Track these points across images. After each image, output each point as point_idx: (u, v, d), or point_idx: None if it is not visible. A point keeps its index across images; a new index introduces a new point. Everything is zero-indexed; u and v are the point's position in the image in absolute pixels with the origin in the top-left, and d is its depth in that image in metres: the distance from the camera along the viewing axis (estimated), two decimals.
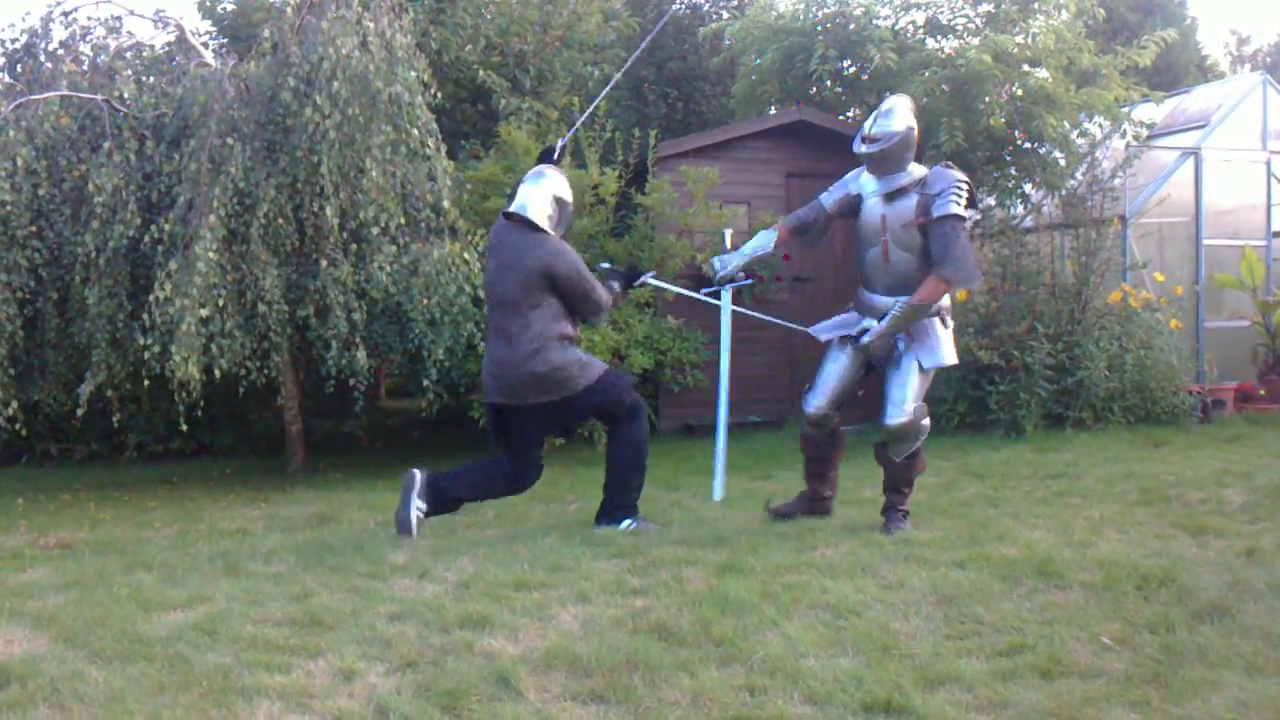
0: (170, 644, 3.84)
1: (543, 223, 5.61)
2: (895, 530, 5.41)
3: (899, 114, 5.49)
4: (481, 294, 7.65)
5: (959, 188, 5.39)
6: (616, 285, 6.11)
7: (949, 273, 5.34)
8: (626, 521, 5.63)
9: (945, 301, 5.59)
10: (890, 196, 5.53)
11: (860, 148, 5.50)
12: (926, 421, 5.58)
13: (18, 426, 7.62)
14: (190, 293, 6.91)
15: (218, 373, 7.25)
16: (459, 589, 4.55)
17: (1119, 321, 9.37)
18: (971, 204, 5.44)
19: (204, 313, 7.00)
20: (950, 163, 5.93)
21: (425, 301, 7.45)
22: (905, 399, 5.49)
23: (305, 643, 3.85)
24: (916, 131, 5.56)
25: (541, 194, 5.67)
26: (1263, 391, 10.36)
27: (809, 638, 3.74)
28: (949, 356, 5.57)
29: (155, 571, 4.99)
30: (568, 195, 5.77)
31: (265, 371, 7.69)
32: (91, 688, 3.42)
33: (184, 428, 7.78)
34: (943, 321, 5.57)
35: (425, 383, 7.69)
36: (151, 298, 7.02)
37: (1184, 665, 3.36)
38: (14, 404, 7.45)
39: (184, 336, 6.88)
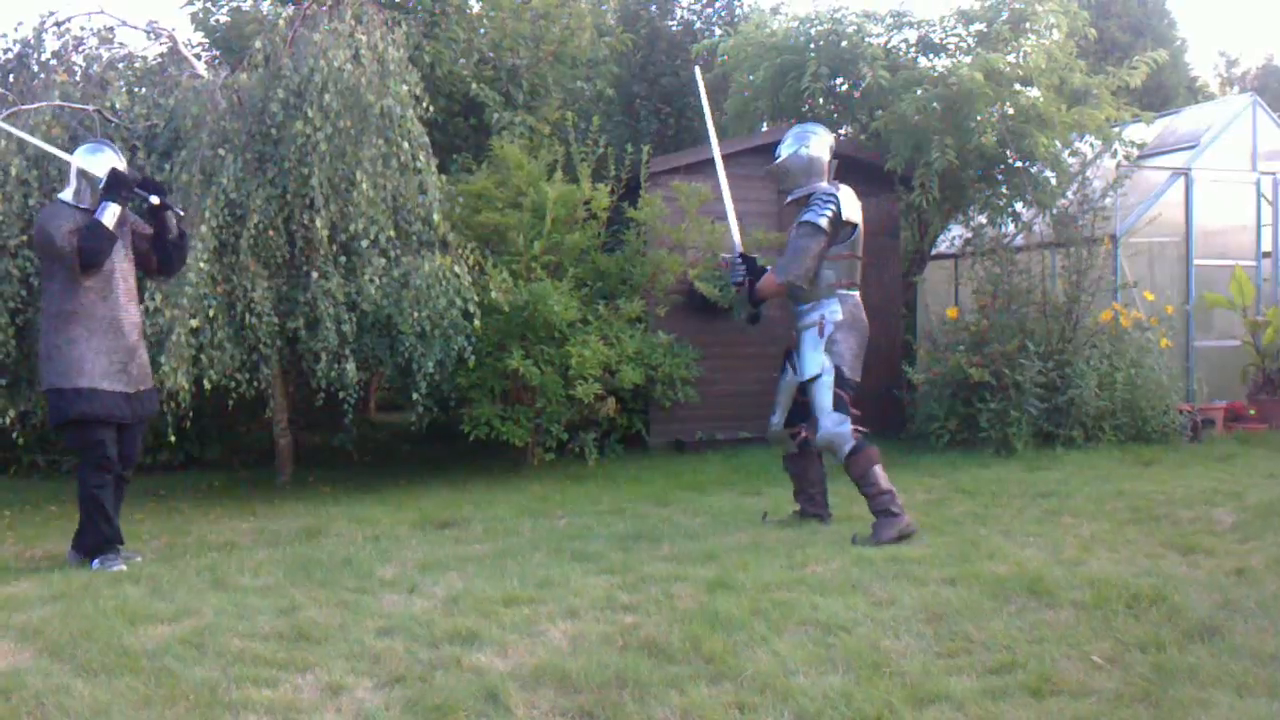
0: (157, 657, 3.82)
1: (66, 195, 5.80)
2: (862, 542, 5.56)
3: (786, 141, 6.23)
4: (472, 308, 7.63)
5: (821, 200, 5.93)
6: (111, 205, 5.69)
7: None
8: (95, 563, 5.57)
9: (834, 314, 5.94)
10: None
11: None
12: (843, 430, 5.78)
13: (15, 436, 7.66)
14: (180, 303, 6.90)
15: (207, 384, 7.22)
16: (448, 604, 4.54)
17: (1110, 340, 9.40)
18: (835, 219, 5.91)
19: (194, 324, 6.98)
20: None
21: (415, 315, 7.44)
22: (819, 412, 5.86)
23: (293, 657, 3.84)
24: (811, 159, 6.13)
25: (73, 170, 5.84)
26: (1252, 411, 10.40)
27: (799, 655, 3.73)
28: (811, 368, 5.91)
29: (142, 584, 4.98)
30: (94, 170, 5.77)
31: (254, 384, 7.65)
32: (77, 701, 3.40)
33: (171, 439, 7.77)
34: (819, 331, 5.93)
35: (415, 396, 7.67)
36: (140, 308, 6.99)
37: (1174, 684, 3.36)
38: (11, 412, 7.46)
39: (173, 347, 6.85)
